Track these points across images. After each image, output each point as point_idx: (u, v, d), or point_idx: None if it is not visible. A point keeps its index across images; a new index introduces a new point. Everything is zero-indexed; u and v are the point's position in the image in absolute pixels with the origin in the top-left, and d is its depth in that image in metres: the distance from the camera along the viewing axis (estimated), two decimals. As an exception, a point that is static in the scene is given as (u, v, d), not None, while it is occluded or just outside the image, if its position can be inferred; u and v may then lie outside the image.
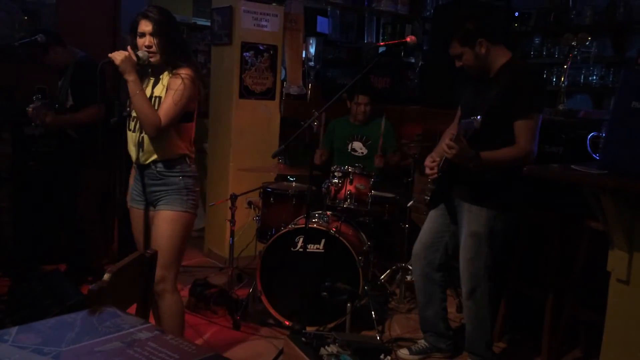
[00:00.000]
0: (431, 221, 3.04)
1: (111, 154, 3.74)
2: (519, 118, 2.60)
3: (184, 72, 2.44)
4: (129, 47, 2.41)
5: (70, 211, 3.78)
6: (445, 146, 2.53)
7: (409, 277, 3.96)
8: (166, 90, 2.45)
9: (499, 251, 2.82)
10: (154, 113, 2.40)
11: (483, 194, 2.73)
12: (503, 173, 2.69)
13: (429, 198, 2.96)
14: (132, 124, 2.54)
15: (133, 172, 2.68)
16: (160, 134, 2.44)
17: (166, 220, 2.51)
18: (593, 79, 5.09)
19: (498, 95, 2.61)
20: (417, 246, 3.08)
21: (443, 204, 2.97)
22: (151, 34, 2.42)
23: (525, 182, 2.67)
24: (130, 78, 2.35)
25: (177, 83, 2.43)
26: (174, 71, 2.46)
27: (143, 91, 2.42)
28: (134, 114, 2.50)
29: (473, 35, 2.67)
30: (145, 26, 2.43)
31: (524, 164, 2.50)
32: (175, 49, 2.46)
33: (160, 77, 2.52)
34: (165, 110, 2.42)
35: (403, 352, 3.13)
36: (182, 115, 2.50)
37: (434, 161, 2.87)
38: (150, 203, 2.60)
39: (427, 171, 2.90)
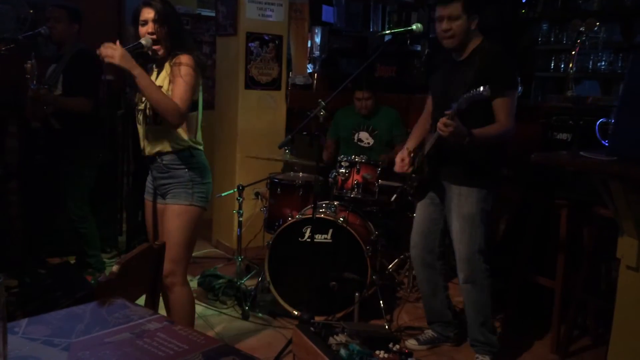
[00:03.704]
0: (423, 210, 3.04)
1: (96, 150, 3.76)
2: (497, 97, 2.64)
3: (185, 59, 2.39)
4: (117, 42, 2.29)
5: (62, 207, 3.78)
6: (441, 125, 2.53)
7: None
8: (170, 80, 2.41)
9: (489, 232, 2.86)
10: (171, 101, 2.33)
11: (472, 175, 2.77)
12: (488, 152, 2.74)
13: (412, 190, 2.99)
14: (139, 117, 2.54)
15: None
16: (183, 120, 2.38)
17: (174, 215, 2.50)
18: (601, 65, 5.04)
19: (474, 78, 2.64)
20: (415, 237, 3.08)
21: (431, 191, 2.98)
22: (153, 21, 2.41)
23: (505, 161, 2.86)
24: (136, 72, 2.27)
25: (181, 70, 2.37)
26: (174, 60, 2.41)
27: (153, 83, 2.36)
28: (140, 106, 2.50)
29: (475, 7, 2.69)
30: (148, 14, 2.42)
31: (507, 139, 2.75)
32: (176, 38, 2.45)
33: (161, 68, 2.50)
34: (179, 94, 2.34)
35: (411, 342, 3.13)
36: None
37: (403, 159, 2.95)
38: (161, 195, 2.60)
39: (396, 168, 2.96)
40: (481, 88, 2.42)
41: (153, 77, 2.51)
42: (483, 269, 2.81)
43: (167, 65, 2.47)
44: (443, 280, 3.10)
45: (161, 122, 2.45)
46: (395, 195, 3.66)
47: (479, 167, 2.77)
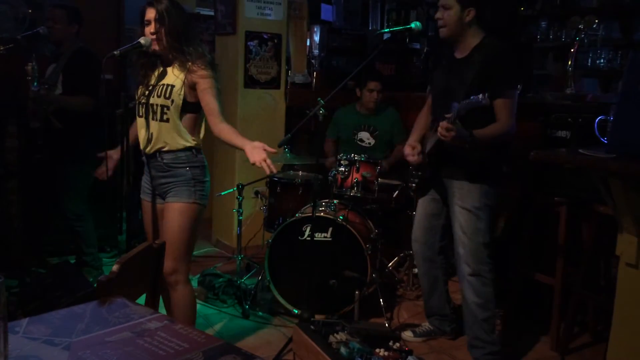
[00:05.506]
0: (424, 206, 3.06)
1: (97, 148, 3.75)
2: (498, 97, 2.62)
3: (203, 71, 2.46)
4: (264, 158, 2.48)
5: (59, 206, 3.78)
6: (442, 130, 2.52)
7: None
8: (198, 91, 2.48)
9: (491, 228, 2.85)
10: (231, 129, 2.54)
11: (473, 172, 2.76)
12: (489, 151, 2.74)
13: (415, 185, 2.99)
14: (141, 110, 2.54)
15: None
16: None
17: (175, 212, 2.50)
18: (600, 63, 5.04)
19: (475, 76, 2.64)
20: (416, 232, 3.11)
21: (432, 189, 2.99)
22: (156, 21, 2.43)
23: (507, 159, 2.82)
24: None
25: (207, 82, 2.46)
26: (192, 68, 2.45)
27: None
28: (143, 100, 2.51)
29: None
30: (150, 13, 2.45)
31: (508, 139, 2.75)
32: (180, 38, 2.45)
33: (169, 68, 2.51)
34: (216, 109, 2.48)
35: (407, 334, 3.15)
36: (190, 106, 2.50)
37: (414, 148, 2.91)
38: (159, 195, 2.60)
39: (410, 158, 2.92)
40: (480, 96, 2.40)
41: (154, 76, 2.52)
42: (487, 262, 2.80)
43: (177, 68, 2.48)
44: (443, 274, 3.13)
45: (168, 119, 2.46)
46: (396, 192, 3.68)
47: (480, 166, 2.76)
